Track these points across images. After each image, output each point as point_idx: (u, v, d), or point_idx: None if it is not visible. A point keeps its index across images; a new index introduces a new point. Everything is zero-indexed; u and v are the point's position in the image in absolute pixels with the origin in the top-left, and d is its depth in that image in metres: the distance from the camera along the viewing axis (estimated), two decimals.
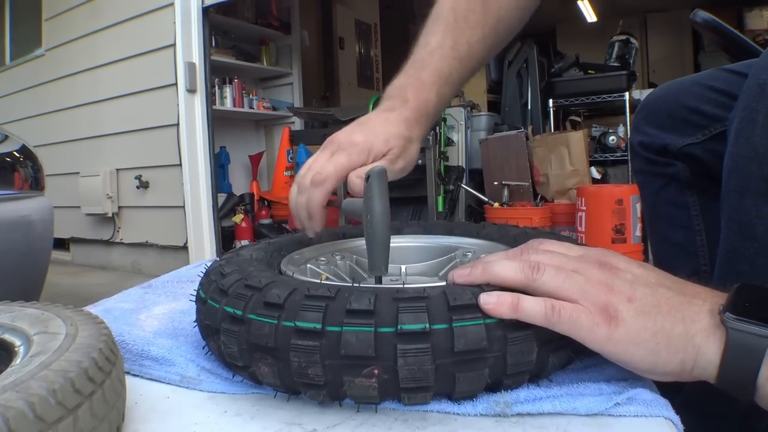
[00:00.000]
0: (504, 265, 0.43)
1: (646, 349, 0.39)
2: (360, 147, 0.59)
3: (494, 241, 0.66)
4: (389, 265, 0.51)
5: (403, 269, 0.68)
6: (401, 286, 0.44)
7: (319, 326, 0.38)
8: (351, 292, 0.40)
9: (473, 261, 0.45)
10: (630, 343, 0.39)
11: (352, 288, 0.41)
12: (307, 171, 0.60)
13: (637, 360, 0.39)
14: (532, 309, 0.40)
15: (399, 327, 0.38)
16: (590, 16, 6.50)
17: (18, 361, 0.36)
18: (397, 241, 0.69)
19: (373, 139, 0.59)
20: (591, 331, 0.39)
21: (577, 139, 3.32)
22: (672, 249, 0.89)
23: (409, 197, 2.91)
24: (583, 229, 2.79)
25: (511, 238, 0.64)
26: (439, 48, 0.66)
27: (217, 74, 3.61)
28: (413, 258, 0.70)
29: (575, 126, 4.32)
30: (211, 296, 0.46)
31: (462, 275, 0.44)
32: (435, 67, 0.66)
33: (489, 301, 0.39)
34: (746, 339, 0.36)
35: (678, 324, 0.39)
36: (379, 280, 0.52)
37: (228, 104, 3.81)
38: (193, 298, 0.52)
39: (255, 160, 4.18)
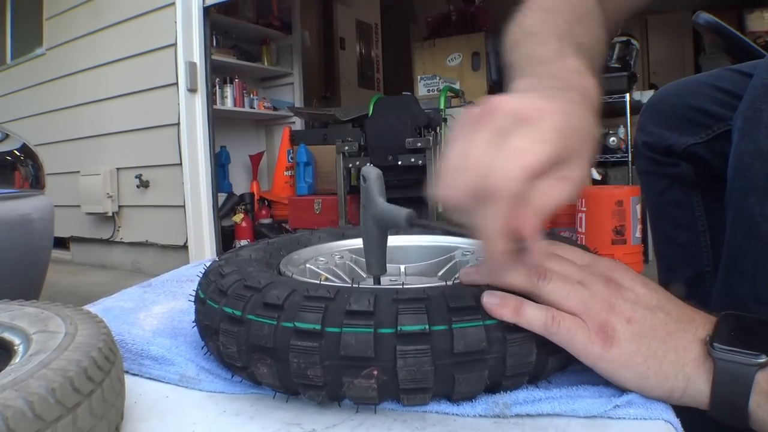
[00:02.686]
0: (512, 272, 0.43)
1: (635, 372, 0.39)
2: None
3: None
4: (388, 264, 0.51)
5: (402, 269, 0.68)
6: (401, 286, 0.44)
7: (318, 327, 0.38)
8: (350, 293, 0.40)
9: (482, 261, 0.45)
10: (622, 365, 0.40)
11: (352, 289, 0.41)
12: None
13: (625, 381, 0.40)
14: (533, 316, 0.40)
15: (398, 328, 0.38)
16: None
17: (17, 360, 0.36)
18: (396, 241, 0.69)
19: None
20: (585, 347, 0.40)
21: None
22: (676, 249, 0.89)
23: (409, 197, 2.90)
24: (583, 230, 2.79)
25: None
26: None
27: (217, 74, 3.61)
28: (412, 258, 0.70)
29: None
30: (210, 297, 0.46)
31: (468, 274, 0.44)
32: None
33: (492, 301, 0.40)
34: (734, 368, 0.37)
35: (671, 352, 0.39)
36: (377, 280, 0.52)
37: (228, 104, 3.81)
38: (193, 298, 0.52)
39: (255, 159, 4.18)
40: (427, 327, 0.38)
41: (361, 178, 0.50)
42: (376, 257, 0.50)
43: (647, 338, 0.40)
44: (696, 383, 0.39)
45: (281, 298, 0.40)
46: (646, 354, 0.39)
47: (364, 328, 0.38)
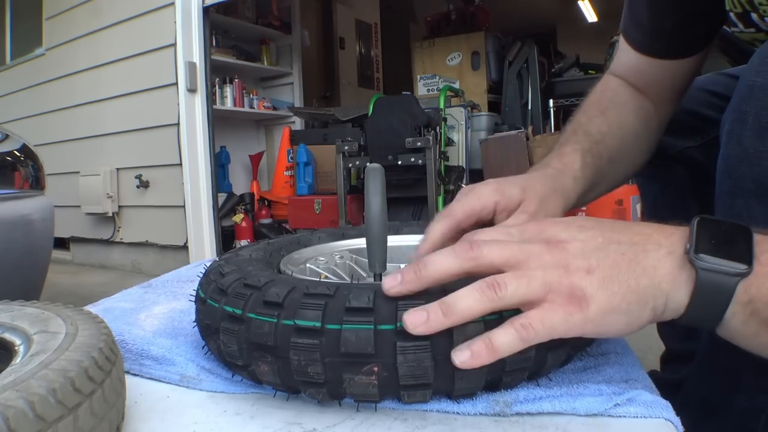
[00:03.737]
0: (436, 259, 0.40)
1: (619, 312, 0.39)
2: (491, 187, 0.55)
3: None
4: (388, 264, 0.51)
5: (402, 268, 0.68)
6: None
7: (318, 324, 0.38)
8: (350, 290, 0.40)
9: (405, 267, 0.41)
10: (606, 315, 0.39)
11: (351, 285, 0.41)
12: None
13: (614, 327, 0.40)
14: (506, 340, 0.38)
15: (398, 324, 0.38)
16: (591, 16, 6.49)
17: (18, 361, 0.36)
18: (396, 241, 0.69)
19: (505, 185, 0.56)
20: (567, 323, 0.39)
21: None
22: None
23: (409, 197, 2.90)
24: None
25: None
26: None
27: (217, 74, 3.61)
28: (413, 257, 0.70)
29: None
30: (211, 296, 0.46)
31: (392, 286, 0.39)
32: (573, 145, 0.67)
33: (463, 356, 0.37)
34: (716, 278, 0.37)
35: (641, 276, 0.39)
36: (378, 278, 0.52)
37: (228, 104, 3.80)
38: (193, 298, 0.52)
39: (255, 159, 4.18)
40: None
41: (365, 175, 0.51)
42: (377, 254, 0.50)
43: (614, 277, 0.39)
44: (675, 297, 0.39)
45: (281, 296, 0.40)
46: (620, 292, 0.39)
47: (364, 324, 0.38)
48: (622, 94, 0.75)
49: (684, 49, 0.73)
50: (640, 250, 0.40)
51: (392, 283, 0.40)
